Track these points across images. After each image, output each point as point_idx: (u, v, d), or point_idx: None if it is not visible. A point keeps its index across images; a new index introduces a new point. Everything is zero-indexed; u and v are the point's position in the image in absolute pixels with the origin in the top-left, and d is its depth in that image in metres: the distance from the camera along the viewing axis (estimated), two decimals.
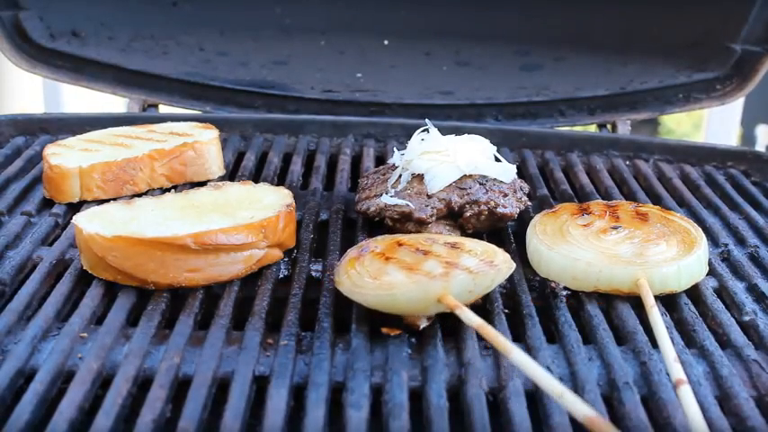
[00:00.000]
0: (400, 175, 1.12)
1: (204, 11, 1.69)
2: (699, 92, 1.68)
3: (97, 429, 0.73)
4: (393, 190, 1.11)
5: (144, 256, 0.94)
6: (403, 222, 1.08)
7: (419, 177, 1.11)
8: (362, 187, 1.17)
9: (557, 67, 1.71)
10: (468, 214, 1.07)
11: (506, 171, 1.12)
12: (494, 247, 0.96)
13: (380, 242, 0.98)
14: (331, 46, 1.72)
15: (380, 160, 1.47)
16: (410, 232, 1.08)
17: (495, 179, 1.11)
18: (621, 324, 0.94)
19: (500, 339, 0.80)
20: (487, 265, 0.89)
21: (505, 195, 1.10)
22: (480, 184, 1.09)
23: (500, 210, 1.08)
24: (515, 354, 0.77)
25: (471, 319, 0.84)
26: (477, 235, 1.12)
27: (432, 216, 1.07)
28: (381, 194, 1.11)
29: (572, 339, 0.90)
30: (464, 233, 1.10)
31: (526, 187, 1.17)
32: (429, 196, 1.08)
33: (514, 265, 0.93)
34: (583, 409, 0.70)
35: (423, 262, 0.90)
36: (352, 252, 0.97)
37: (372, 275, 0.90)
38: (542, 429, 0.77)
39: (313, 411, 0.76)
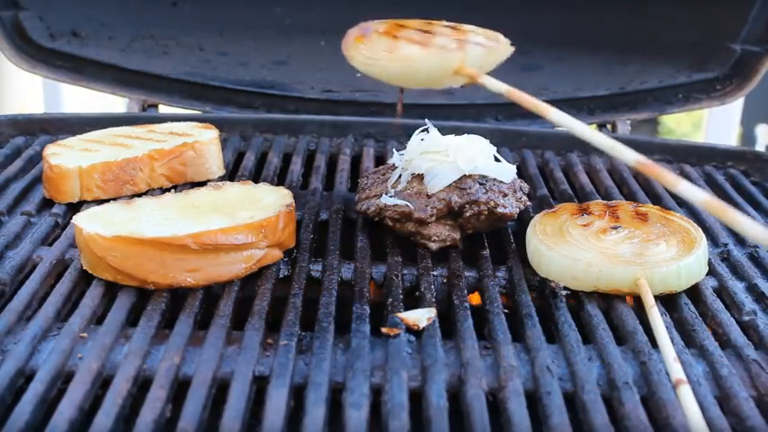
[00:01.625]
0: (400, 176, 1.12)
1: (204, 11, 1.68)
2: (699, 92, 1.68)
3: (97, 429, 0.73)
4: (393, 190, 1.10)
5: (144, 257, 0.94)
6: (403, 222, 1.08)
7: (419, 177, 1.11)
8: (362, 187, 1.17)
9: (557, 67, 1.71)
10: (468, 214, 1.07)
11: (506, 171, 1.12)
12: (491, 31, 0.99)
13: (380, 24, 0.99)
14: (331, 46, 1.70)
15: (380, 160, 1.47)
16: (410, 232, 1.08)
17: (494, 179, 1.11)
18: (621, 324, 0.94)
19: (532, 101, 0.84)
20: (495, 42, 0.95)
21: (505, 195, 1.10)
22: (480, 184, 1.09)
23: (500, 210, 1.08)
24: (553, 113, 0.83)
25: (496, 84, 0.88)
26: (477, 235, 1.12)
27: (432, 216, 1.07)
28: (381, 194, 1.11)
29: (572, 339, 0.90)
30: (464, 233, 1.10)
31: (526, 187, 1.17)
32: (429, 196, 1.08)
33: (513, 48, 0.96)
34: (632, 156, 0.76)
35: (432, 38, 0.93)
36: (353, 32, 0.98)
37: (386, 50, 0.93)
38: (542, 429, 0.77)
39: (313, 411, 0.76)
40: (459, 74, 0.91)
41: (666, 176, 0.75)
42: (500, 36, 0.97)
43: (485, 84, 0.89)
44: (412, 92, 1.70)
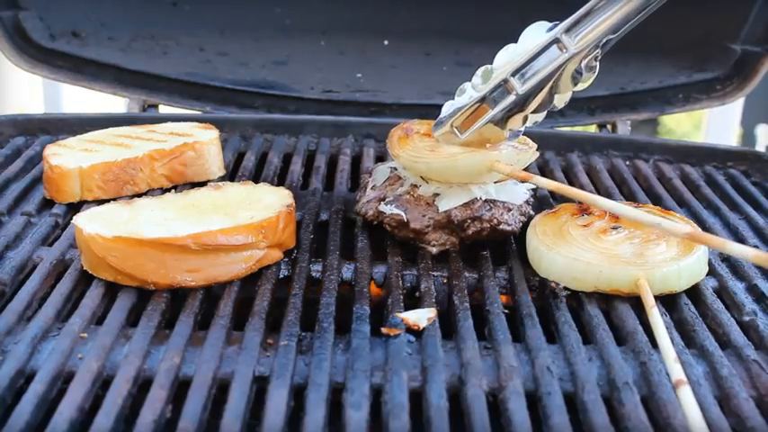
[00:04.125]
0: (400, 178, 1.12)
1: (204, 11, 1.68)
2: (699, 92, 1.68)
3: (97, 429, 0.73)
4: (392, 195, 1.10)
5: (144, 257, 0.94)
6: (400, 228, 1.08)
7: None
8: (363, 187, 1.17)
9: None
10: (470, 231, 1.06)
11: (518, 196, 1.11)
12: (522, 137, 1.10)
13: (420, 125, 1.14)
14: (331, 46, 1.72)
15: (380, 160, 1.46)
16: (408, 237, 1.08)
17: None
18: (621, 324, 0.94)
19: (580, 192, 0.97)
20: (525, 146, 1.07)
21: (509, 210, 1.08)
22: (485, 200, 1.08)
23: (502, 227, 1.07)
24: (602, 201, 0.94)
25: (546, 182, 1.01)
26: (478, 243, 1.11)
27: (428, 227, 1.06)
28: (380, 198, 1.10)
29: (572, 339, 0.90)
30: (462, 241, 1.09)
31: (531, 199, 1.15)
32: (429, 203, 1.07)
33: (538, 153, 1.08)
34: (681, 228, 0.87)
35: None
36: (396, 132, 1.13)
37: (429, 149, 1.06)
38: (542, 430, 0.77)
39: (313, 411, 0.76)
40: (494, 169, 1.01)
41: (714, 241, 0.86)
42: (530, 141, 1.10)
43: (534, 181, 1.01)
44: (413, 92, 1.71)
